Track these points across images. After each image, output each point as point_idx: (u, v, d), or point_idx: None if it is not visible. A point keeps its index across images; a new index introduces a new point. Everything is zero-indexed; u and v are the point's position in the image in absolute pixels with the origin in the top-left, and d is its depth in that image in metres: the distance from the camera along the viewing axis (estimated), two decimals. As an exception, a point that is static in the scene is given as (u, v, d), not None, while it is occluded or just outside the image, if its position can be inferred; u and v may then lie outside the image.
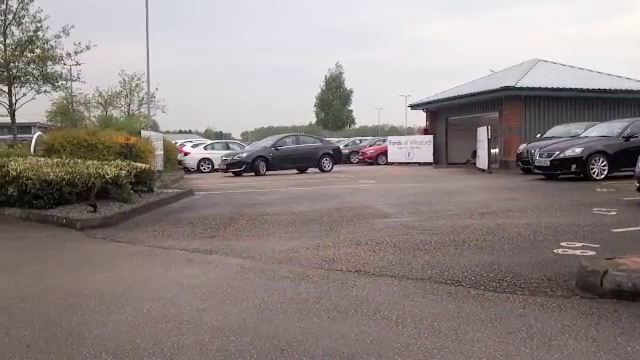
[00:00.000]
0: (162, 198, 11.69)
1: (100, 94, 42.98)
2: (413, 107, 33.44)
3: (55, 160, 11.07)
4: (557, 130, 19.96)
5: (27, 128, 35.54)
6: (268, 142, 25.05)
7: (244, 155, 23.46)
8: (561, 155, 15.37)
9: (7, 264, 6.12)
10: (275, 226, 8.23)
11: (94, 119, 39.36)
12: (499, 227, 7.57)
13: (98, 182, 9.64)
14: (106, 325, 3.84)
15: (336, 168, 24.85)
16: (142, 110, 42.59)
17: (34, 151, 14.20)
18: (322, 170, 24.00)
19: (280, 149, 23.65)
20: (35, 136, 16.46)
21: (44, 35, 21.13)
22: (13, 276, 5.40)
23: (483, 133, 21.83)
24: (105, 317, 4.03)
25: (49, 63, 21.63)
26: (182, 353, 3.31)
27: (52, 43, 21.42)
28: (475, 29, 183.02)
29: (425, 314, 3.96)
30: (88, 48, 22.37)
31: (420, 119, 37.15)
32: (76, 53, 22.11)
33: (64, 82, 24.12)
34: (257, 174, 22.34)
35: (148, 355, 3.29)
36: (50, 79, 21.83)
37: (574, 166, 15.18)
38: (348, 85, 68.32)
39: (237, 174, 22.60)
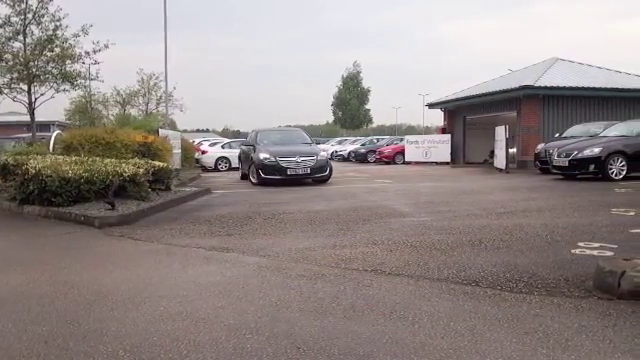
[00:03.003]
0: (179, 196, 11.77)
1: (118, 93, 43.43)
2: (431, 106, 33.31)
3: (74, 158, 11.19)
4: (575, 130, 19.76)
5: (46, 126, 35.94)
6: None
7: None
8: (579, 155, 15.22)
9: (25, 261, 6.22)
10: (292, 225, 8.25)
11: (112, 118, 39.83)
12: (516, 227, 7.52)
13: (116, 180, 9.74)
14: (123, 322, 3.88)
15: (352, 167, 24.84)
16: (160, 109, 42.97)
17: (53, 149, 14.37)
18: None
19: None
20: (54, 134, 16.68)
21: (63, 34, 21.31)
22: (31, 273, 5.48)
23: (501, 132, 21.69)
24: (122, 314, 4.07)
25: (68, 62, 21.81)
26: (198, 351, 3.34)
27: (71, 42, 21.61)
28: (494, 28, 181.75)
29: (441, 314, 3.95)
30: (107, 47, 22.52)
31: (438, 118, 37.10)
32: (95, 52, 22.27)
33: (83, 81, 24.33)
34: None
35: (165, 352, 3.32)
36: (69, 78, 22.01)
37: (592, 166, 15.03)
38: (365, 84, 68.26)
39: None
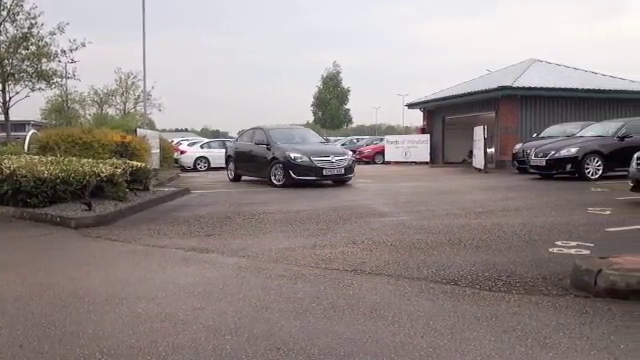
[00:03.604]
0: (158, 196, 11.66)
1: (96, 92, 43.08)
2: (410, 106, 33.45)
3: (49, 158, 11.03)
4: (553, 130, 20.00)
5: (21, 126, 35.45)
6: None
7: None
8: (556, 155, 15.41)
9: (0, 263, 6.10)
10: (271, 225, 8.23)
11: (89, 117, 39.42)
12: (495, 226, 7.58)
13: (93, 180, 9.61)
14: (101, 325, 3.83)
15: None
16: (138, 108, 42.66)
17: (28, 149, 14.16)
18: None
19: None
20: (29, 134, 16.43)
21: (39, 32, 21.07)
22: (6, 275, 5.38)
23: (479, 132, 21.86)
24: (100, 316, 4.02)
25: (44, 60, 21.56)
26: (177, 352, 3.31)
27: (47, 40, 21.36)
28: (473, 29, 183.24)
29: (421, 313, 3.96)
30: (83, 45, 22.34)
31: (417, 118, 37.27)
32: (71, 50, 22.08)
33: (59, 79, 24.08)
34: None
35: (143, 355, 3.28)
36: (45, 76, 21.76)
37: (569, 166, 15.23)
38: (345, 84, 68.32)
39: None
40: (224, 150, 28.16)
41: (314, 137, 17.92)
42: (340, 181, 15.40)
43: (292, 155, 14.99)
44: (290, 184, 14.74)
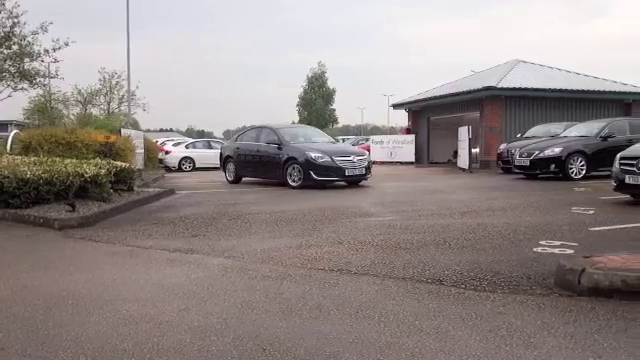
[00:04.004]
0: (143, 197, 11.58)
1: (79, 92, 42.67)
2: (395, 107, 33.56)
3: (32, 159, 10.94)
4: (537, 130, 20.16)
5: (3, 126, 35.08)
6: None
7: None
8: (540, 155, 15.54)
9: (-17, 264, 6.02)
10: (257, 225, 8.21)
11: (73, 117, 39.02)
12: (480, 226, 7.62)
13: (77, 181, 9.53)
14: (84, 327, 3.79)
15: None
16: (122, 108, 42.35)
17: (10, 149, 14.04)
18: None
19: None
20: (11, 134, 16.29)
21: (21, 31, 20.83)
22: (-10, 277, 5.31)
23: (464, 133, 21.97)
24: (84, 318, 3.98)
25: (26, 60, 21.33)
26: (162, 354, 3.28)
27: (29, 39, 21.12)
28: (458, 30, 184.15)
29: (407, 313, 3.97)
30: (67, 45, 22.11)
31: (402, 118, 37.37)
32: (54, 50, 21.85)
33: (42, 79, 23.83)
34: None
35: (128, 357, 3.26)
36: (27, 76, 21.54)
37: (553, 166, 15.37)
38: (331, 84, 68.40)
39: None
40: (210, 150, 28.39)
41: (323, 136, 17.32)
42: (357, 181, 14.94)
43: (313, 155, 14.29)
44: (309, 185, 14.11)
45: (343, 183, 14.82)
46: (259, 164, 15.98)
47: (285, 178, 14.66)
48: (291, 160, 14.64)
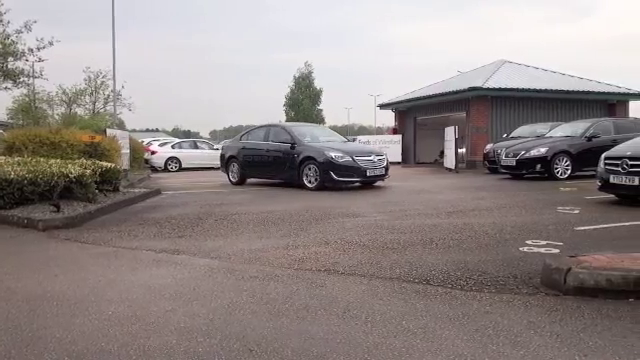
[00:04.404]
0: (128, 197, 11.51)
1: (64, 91, 42.30)
2: (382, 107, 33.66)
3: (16, 159, 10.81)
4: (523, 130, 20.31)
5: (-13, 126, 34.61)
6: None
7: None
8: (526, 155, 15.66)
9: (-34, 266, 5.94)
10: (244, 225, 8.18)
11: (57, 117, 38.69)
12: (466, 226, 7.65)
13: (61, 181, 9.44)
14: (69, 329, 3.75)
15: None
16: (108, 108, 42.07)
17: (-6, 150, 13.84)
18: None
19: None
20: (-5, 134, 16.07)
21: (5, 30, 20.64)
22: (-28, 278, 5.25)
23: (450, 133, 22.08)
24: (68, 320, 3.94)
25: (10, 59, 21.14)
26: (148, 356, 3.26)
27: (13, 38, 20.92)
28: (445, 30, 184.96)
29: (394, 313, 3.97)
30: (51, 44, 21.96)
31: (389, 119, 37.48)
32: (39, 49, 21.69)
33: (26, 79, 23.62)
34: None
35: (113, 359, 3.23)
36: (11, 75, 21.34)
37: (539, 166, 15.49)
38: (317, 84, 68.46)
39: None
40: (196, 150, 28.31)
41: (335, 135, 16.66)
42: (374, 182, 14.40)
43: (333, 154, 13.58)
44: (327, 187, 13.53)
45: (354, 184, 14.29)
46: (269, 164, 15.24)
47: (300, 179, 14.00)
48: (308, 160, 13.89)
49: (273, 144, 15.09)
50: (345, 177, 13.57)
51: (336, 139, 15.76)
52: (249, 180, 16.35)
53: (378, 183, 14.54)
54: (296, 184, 14.22)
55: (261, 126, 16.66)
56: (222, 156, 17.23)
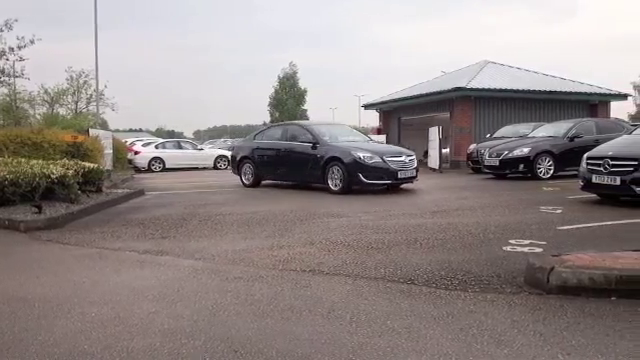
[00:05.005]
0: (111, 198, 11.42)
1: (46, 91, 41.86)
2: (366, 107, 33.70)
3: (-3, 159, 10.68)
4: (506, 130, 20.45)
5: (-33, 126, 34.12)
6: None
7: None
8: (509, 155, 15.77)
9: (-54, 268, 5.86)
10: (228, 226, 8.14)
11: (39, 117, 38.28)
12: (450, 225, 7.69)
13: (43, 182, 9.34)
14: (51, 331, 3.71)
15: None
16: (90, 108, 41.71)
17: (-26, 150, 13.66)
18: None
19: None
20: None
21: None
22: (-48, 281, 5.17)
23: (434, 133, 22.16)
24: (51, 322, 3.89)
25: (-11, 58, 20.89)
26: (132, 358, 3.23)
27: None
28: (429, 31, 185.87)
29: (379, 313, 3.98)
30: (32, 43, 21.72)
31: (373, 119, 37.53)
32: (19, 48, 21.44)
33: (6, 78, 23.35)
34: None
35: (96, 360, 3.20)
36: (-9, 75, 21.08)
37: (522, 165, 15.61)
38: (302, 85, 68.44)
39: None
40: (180, 151, 28.14)
41: (357, 134, 15.42)
42: (401, 184, 13.30)
43: (361, 155, 12.52)
44: (355, 190, 12.53)
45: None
46: (287, 165, 14.20)
47: (325, 181, 12.95)
48: (333, 161, 12.79)
49: (292, 144, 14.04)
50: (374, 179, 12.52)
51: (359, 138, 14.65)
52: (264, 182, 15.36)
53: (406, 185, 13.50)
54: (318, 187, 13.30)
55: (277, 125, 15.76)
56: (233, 157, 16.42)
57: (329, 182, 12.85)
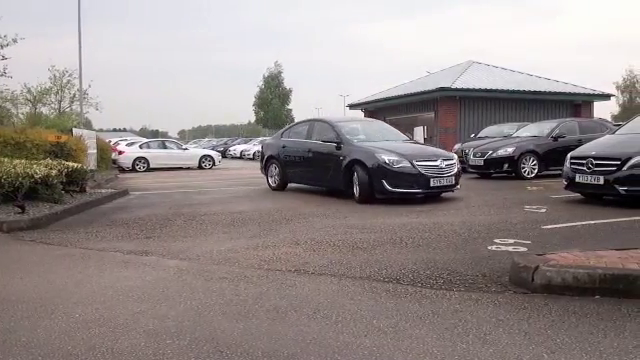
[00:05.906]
0: (95, 198, 11.34)
1: (29, 90, 41.41)
2: (352, 107, 33.79)
3: (-21, 159, 10.54)
4: (490, 130, 20.56)
5: (-52, 126, 33.68)
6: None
7: None
8: (494, 154, 15.86)
9: None
10: (213, 226, 8.11)
11: (22, 116, 37.88)
12: (435, 225, 7.71)
13: (26, 182, 9.24)
14: (35, 332, 3.67)
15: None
16: (74, 107, 41.32)
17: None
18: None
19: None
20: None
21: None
22: None
23: (419, 133, 22.26)
24: (34, 323, 3.85)
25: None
26: (117, 358, 3.20)
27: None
28: (413, 31, 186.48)
29: (364, 312, 3.98)
30: (15, 41, 21.51)
31: (358, 119, 37.66)
32: (2, 47, 21.22)
33: (-12, 78, 23.08)
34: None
35: (80, 362, 3.17)
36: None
37: (506, 165, 15.71)
38: (287, 84, 68.43)
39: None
40: (164, 150, 27.98)
41: (392, 133, 12.93)
42: (439, 194, 11.19)
43: (386, 158, 10.54)
44: (376, 199, 10.54)
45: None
46: (309, 168, 12.59)
47: (347, 187, 11.16)
48: (356, 164, 10.90)
49: (316, 143, 12.31)
50: (401, 188, 10.44)
51: (394, 137, 12.50)
52: (291, 185, 13.78)
53: (446, 194, 11.37)
54: (342, 193, 11.56)
55: (303, 121, 14.23)
56: (262, 155, 14.76)
57: (354, 189, 10.97)
